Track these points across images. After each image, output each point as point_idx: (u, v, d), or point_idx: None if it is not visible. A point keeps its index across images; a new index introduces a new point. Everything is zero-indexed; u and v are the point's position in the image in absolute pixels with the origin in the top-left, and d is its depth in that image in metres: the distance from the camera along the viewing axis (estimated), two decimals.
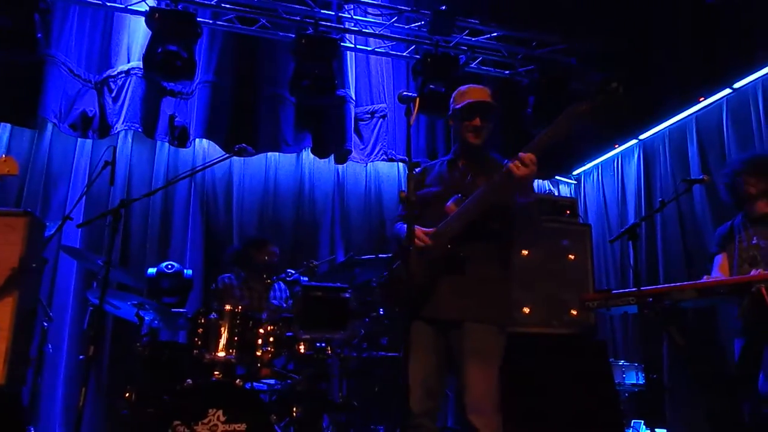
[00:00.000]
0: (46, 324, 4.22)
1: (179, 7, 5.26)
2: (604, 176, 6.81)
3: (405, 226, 2.61)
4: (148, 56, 5.21)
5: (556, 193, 6.91)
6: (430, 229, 2.70)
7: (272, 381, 3.98)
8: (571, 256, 4.37)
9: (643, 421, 4.75)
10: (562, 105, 2.53)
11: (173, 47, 5.18)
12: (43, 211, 5.28)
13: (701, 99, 5.34)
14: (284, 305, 4.74)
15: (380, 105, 6.39)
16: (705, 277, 3.51)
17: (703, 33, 5.09)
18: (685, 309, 3.80)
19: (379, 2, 5.83)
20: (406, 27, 5.93)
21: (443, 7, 5.54)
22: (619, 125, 6.04)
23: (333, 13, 5.75)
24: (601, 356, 4.13)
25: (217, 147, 5.75)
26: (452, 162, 2.96)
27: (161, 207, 5.73)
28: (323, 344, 3.87)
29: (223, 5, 5.59)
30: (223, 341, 3.59)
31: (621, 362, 4.91)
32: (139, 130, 5.55)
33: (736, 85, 5.07)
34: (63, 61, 5.41)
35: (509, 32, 6.03)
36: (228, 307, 3.69)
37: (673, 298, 3.23)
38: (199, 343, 3.60)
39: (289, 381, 3.90)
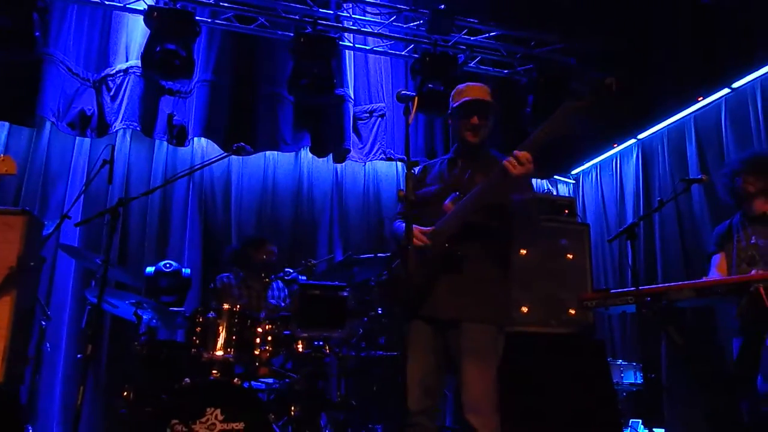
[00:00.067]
0: (44, 323, 4.22)
1: (178, 5, 5.26)
2: (602, 176, 6.81)
3: (403, 224, 2.61)
4: (146, 55, 5.21)
5: (555, 193, 6.91)
6: (428, 228, 2.69)
7: (270, 380, 3.98)
8: (570, 256, 4.38)
9: (641, 421, 4.74)
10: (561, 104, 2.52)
11: (172, 46, 5.18)
12: (42, 209, 5.27)
13: (700, 99, 5.34)
14: (282, 304, 4.74)
15: (379, 104, 6.39)
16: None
17: (702, 33, 5.09)
18: (683, 308, 3.80)
19: (378, 1, 5.83)
20: (405, 26, 5.93)
21: (442, 6, 5.54)
22: (617, 125, 6.04)
23: (332, 12, 5.75)
24: (599, 355, 4.13)
25: (216, 146, 5.75)
26: (452, 161, 2.96)
27: (159, 206, 5.73)
28: (321, 343, 3.87)
29: (221, 4, 5.59)
30: (221, 340, 3.59)
31: (619, 361, 4.90)
32: (138, 128, 5.55)
33: (735, 85, 5.07)
34: (61, 60, 5.40)
35: (508, 31, 6.03)
36: (226, 306, 3.69)
37: (671, 298, 3.23)
38: (198, 342, 3.60)
39: (287, 380, 3.90)
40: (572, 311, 4.21)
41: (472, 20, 5.89)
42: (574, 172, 7.22)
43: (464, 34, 5.97)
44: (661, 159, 5.87)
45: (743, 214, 3.66)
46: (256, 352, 3.68)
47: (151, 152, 5.84)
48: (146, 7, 5.31)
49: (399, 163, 6.44)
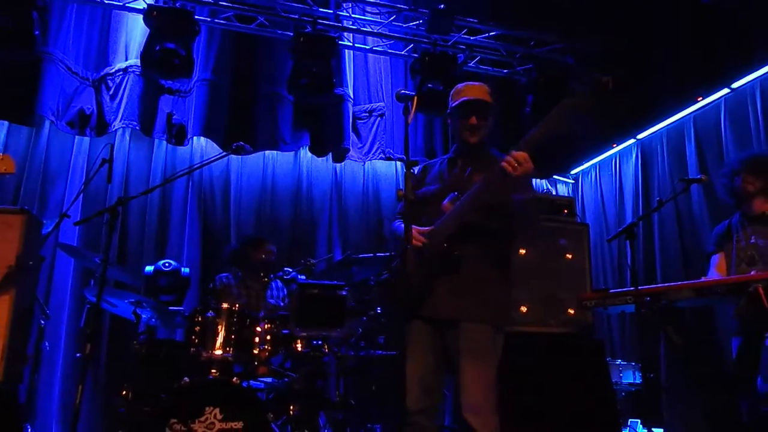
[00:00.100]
0: (43, 322, 4.21)
1: (177, 4, 5.25)
2: (601, 176, 6.81)
3: (402, 224, 2.60)
4: (145, 54, 5.20)
5: (554, 193, 6.90)
6: (426, 228, 2.69)
7: (269, 379, 3.98)
8: (569, 256, 4.38)
9: (640, 421, 4.74)
10: None
11: (171, 45, 5.17)
12: (41, 208, 5.27)
13: (699, 99, 5.34)
14: (281, 304, 4.74)
15: (378, 104, 6.38)
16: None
17: (701, 33, 5.09)
18: (682, 308, 3.80)
19: (378, 1, 5.82)
20: (405, 26, 5.92)
21: (442, 6, 5.53)
22: (617, 125, 6.04)
23: (331, 12, 5.74)
24: (598, 355, 4.13)
25: (215, 145, 5.74)
26: (452, 160, 2.95)
27: (159, 205, 5.73)
28: (320, 342, 3.86)
29: (221, 3, 5.59)
30: (220, 339, 3.59)
31: (618, 361, 4.90)
32: (137, 128, 5.54)
33: (735, 85, 5.07)
34: (61, 59, 5.39)
35: (508, 31, 6.03)
36: (225, 305, 3.70)
37: (671, 298, 3.23)
38: (197, 341, 3.60)
39: (286, 379, 3.90)
40: (571, 311, 4.21)
41: (471, 20, 5.89)
42: (573, 171, 7.22)
43: (464, 34, 5.96)
44: (661, 159, 5.87)
45: (742, 214, 3.67)
46: (255, 352, 3.68)
47: (151, 151, 5.84)
48: (146, 6, 5.30)
49: (398, 163, 6.43)
